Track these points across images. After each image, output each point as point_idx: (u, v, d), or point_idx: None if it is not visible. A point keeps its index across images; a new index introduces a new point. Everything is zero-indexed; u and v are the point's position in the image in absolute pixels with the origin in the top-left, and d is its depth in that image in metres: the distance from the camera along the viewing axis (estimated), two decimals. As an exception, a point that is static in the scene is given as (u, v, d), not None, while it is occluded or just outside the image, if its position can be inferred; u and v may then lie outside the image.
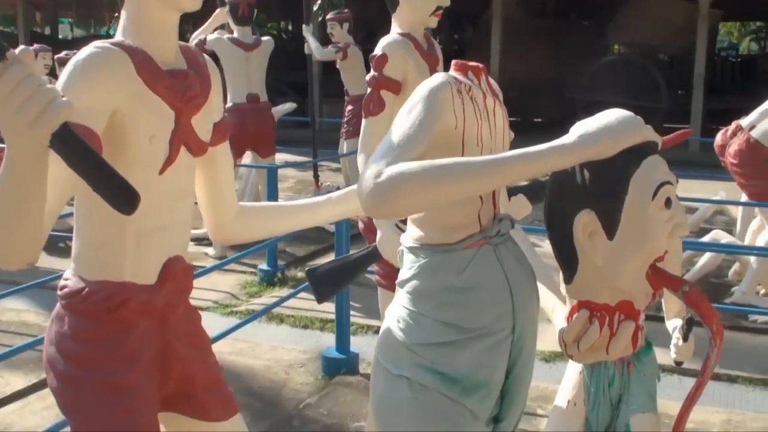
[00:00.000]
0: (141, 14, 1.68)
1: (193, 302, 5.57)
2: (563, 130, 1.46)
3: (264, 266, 5.85)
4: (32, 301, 5.19)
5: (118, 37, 1.70)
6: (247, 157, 6.70)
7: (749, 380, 4.16)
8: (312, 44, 7.43)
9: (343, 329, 4.21)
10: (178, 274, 1.80)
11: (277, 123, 7.49)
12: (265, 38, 6.43)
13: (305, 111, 7.86)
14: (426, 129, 1.38)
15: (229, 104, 6.32)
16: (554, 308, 1.72)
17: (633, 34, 12.98)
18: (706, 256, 5.26)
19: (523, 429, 3.56)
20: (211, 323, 4.63)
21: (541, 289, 1.73)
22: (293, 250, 6.58)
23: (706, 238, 5.40)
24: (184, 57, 1.79)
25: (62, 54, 7.17)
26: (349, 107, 7.67)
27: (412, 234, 1.59)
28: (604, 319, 1.54)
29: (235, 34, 6.24)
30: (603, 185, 1.47)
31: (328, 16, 7.64)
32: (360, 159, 2.77)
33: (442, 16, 2.98)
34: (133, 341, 1.73)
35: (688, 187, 8.23)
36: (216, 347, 4.37)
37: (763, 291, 5.38)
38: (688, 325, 2.54)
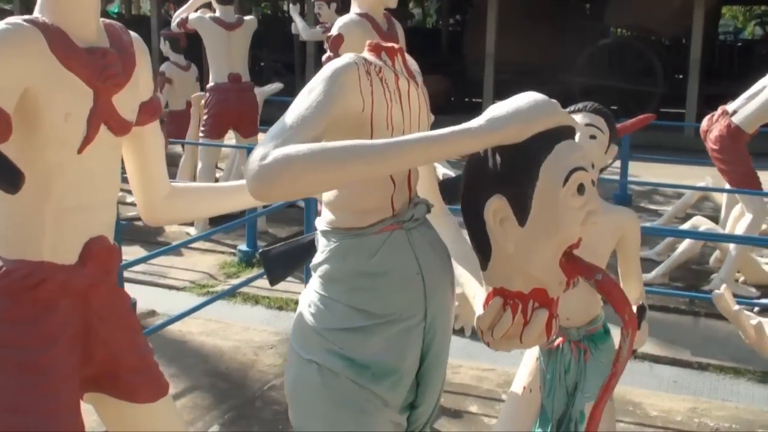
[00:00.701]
0: None
1: (169, 282, 5.56)
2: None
3: (243, 247, 5.83)
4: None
5: (36, 13, 1.66)
6: (231, 138, 6.67)
7: (720, 368, 4.14)
8: (299, 24, 7.37)
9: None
10: (100, 254, 1.77)
11: (265, 103, 7.46)
12: (247, 17, 6.37)
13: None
14: (322, 111, 1.34)
15: (210, 83, 6.29)
16: (475, 295, 1.69)
17: (631, 16, 12.87)
18: (686, 243, 5.23)
19: (487, 414, 3.55)
20: (186, 303, 4.63)
21: (465, 275, 1.69)
22: (275, 231, 6.56)
23: (686, 225, 5.37)
24: (108, 35, 1.75)
25: None
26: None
27: (325, 217, 1.56)
28: (517, 307, 1.50)
29: (218, 13, 6.19)
30: (513, 171, 1.44)
31: (316, -4, 7.56)
32: None
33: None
34: (52, 322, 1.71)
35: (681, 173, 8.22)
36: (186, 327, 4.42)
37: (742, 278, 5.35)
38: (639, 313, 2.52)
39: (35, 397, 1.68)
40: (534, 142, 1.42)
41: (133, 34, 1.85)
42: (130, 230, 6.05)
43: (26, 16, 1.62)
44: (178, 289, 5.22)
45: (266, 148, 1.22)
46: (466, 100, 14.63)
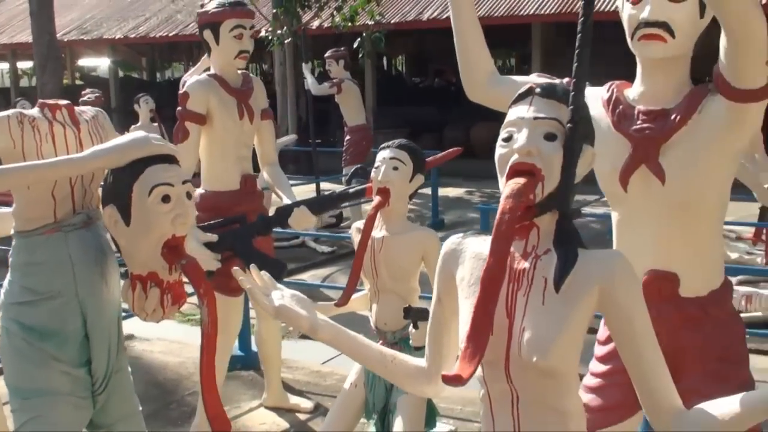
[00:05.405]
0: None
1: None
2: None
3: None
4: None
5: None
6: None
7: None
8: (309, 80, 8.11)
9: (244, 328, 4.76)
10: None
11: (280, 154, 8.20)
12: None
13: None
14: None
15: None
16: None
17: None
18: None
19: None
20: (167, 330, 5.24)
21: None
22: (274, 267, 7.17)
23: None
24: None
25: (87, 91, 8.27)
26: (347, 137, 8.29)
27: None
28: (136, 285, 2.07)
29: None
30: (118, 186, 2.02)
31: (326, 54, 8.29)
32: None
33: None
34: None
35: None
36: (151, 347, 5.05)
37: None
38: (406, 313, 2.96)
39: None
40: (131, 165, 2.01)
41: None
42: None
43: None
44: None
45: None
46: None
